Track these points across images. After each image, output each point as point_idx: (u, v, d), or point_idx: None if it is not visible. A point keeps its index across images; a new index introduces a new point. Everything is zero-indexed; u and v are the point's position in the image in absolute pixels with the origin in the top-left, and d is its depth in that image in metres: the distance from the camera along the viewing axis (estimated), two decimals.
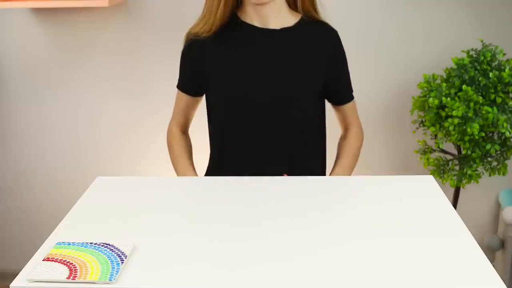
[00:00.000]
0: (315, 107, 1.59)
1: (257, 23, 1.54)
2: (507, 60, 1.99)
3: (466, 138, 1.93)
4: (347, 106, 1.66)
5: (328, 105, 1.67)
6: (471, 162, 2.02)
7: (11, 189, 2.55)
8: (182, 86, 1.64)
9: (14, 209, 2.58)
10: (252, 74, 1.51)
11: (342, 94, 1.66)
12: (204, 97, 1.65)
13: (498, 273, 0.97)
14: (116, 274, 0.98)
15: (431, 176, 1.41)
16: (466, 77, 1.95)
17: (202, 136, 1.70)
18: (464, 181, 2.06)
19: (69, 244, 1.08)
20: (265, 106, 1.51)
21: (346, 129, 1.70)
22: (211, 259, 1.04)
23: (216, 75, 1.54)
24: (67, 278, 0.97)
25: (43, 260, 1.03)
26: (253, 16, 1.54)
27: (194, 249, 1.07)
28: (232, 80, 1.52)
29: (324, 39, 1.57)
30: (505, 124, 1.88)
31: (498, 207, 2.39)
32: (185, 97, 1.64)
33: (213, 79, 1.55)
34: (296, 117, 1.53)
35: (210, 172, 1.65)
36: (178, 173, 1.62)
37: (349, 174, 1.63)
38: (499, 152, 2.03)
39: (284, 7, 1.55)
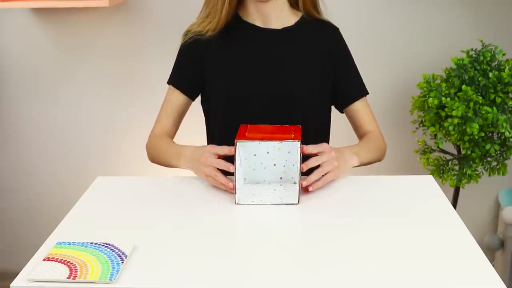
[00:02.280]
0: (319, 109, 1.57)
1: (258, 23, 1.54)
2: (507, 60, 1.99)
3: (466, 138, 1.93)
4: (361, 104, 1.59)
5: (333, 118, 1.64)
6: (471, 162, 2.02)
7: (11, 189, 2.55)
8: (178, 83, 1.58)
9: (15, 209, 2.58)
10: (253, 75, 1.51)
11: (353, 88, 1.59)
12: (191, 107, 1.61)
13: (498, 273, 0.97)
14: (117, 274, 0.98)
15: (431, 176, 1.41)
16: (466, 77, 1.95)
17: (201, 136, 1.70)
18: (463, 181, 2.06)
19: (69, 244, 1.08)
20: (266, 107, 1.50)
21: (364, 134, 1.59)
22: (211, 259, 1.04)
23: (217, 75, 1.53)
24: (67, 278, 0.98)
25: (43, 260, 1.03)
26: (255, 15, 1.53)
27: (194, 249, 1.07)
28: (233, 81, 1.51)
29: (324, 36, 1.56)
30: (504, 124, 1.88)
31: (497, 207, 2.39)
32: (177, 97, 1.58)
33: (213, 79, 1.54)
34: (298, 120, 1.51)
35: None
36: (174, 155, 1.46)
37: (356, 162, 1.45)
38: (498, 152, 2.03)
39: (286, 6, 1.54)
